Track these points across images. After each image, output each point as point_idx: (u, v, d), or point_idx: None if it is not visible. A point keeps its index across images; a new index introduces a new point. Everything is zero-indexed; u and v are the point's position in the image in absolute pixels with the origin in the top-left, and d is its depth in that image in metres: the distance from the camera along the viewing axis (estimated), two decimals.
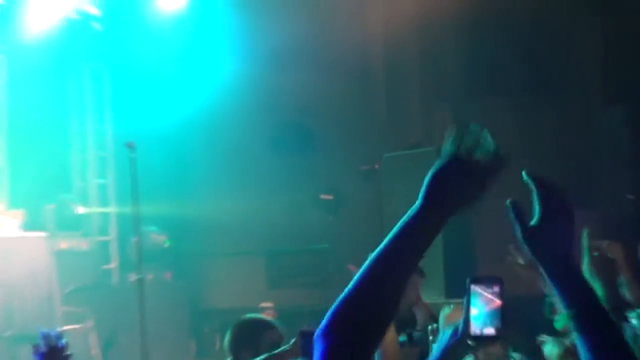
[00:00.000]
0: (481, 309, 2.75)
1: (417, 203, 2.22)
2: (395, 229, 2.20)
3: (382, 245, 2.19)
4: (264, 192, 12.91)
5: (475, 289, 2.75)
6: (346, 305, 2.16)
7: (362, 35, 12.63)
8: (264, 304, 11.86)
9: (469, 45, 12.43)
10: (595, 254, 4.00)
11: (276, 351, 4.73)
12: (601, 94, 11.87)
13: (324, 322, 2.19)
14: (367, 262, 2.18)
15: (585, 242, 3.95)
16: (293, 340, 4.87)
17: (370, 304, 2.16)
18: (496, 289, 2.74)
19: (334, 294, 2.17)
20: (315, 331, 4.03)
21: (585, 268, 3.89)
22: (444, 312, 4.78)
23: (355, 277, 2.17)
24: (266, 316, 11.77)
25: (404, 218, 2.21)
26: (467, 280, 2.79)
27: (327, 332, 2.18)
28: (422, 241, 2.20)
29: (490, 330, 2.72)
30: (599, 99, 11.92)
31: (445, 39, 12.32)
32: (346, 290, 2.17)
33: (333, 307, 2.18)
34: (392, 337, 4.45)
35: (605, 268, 3.93)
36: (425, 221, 2.20)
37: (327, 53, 12.29)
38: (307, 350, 4.27)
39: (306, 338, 4.35)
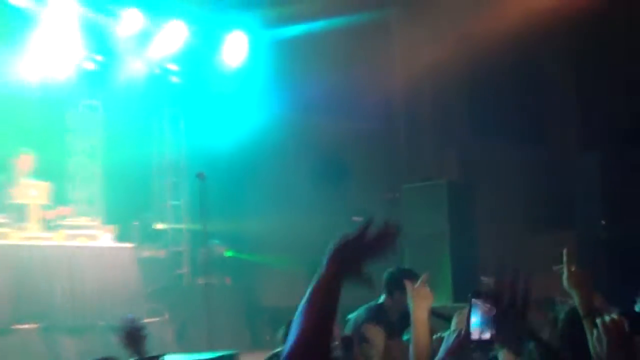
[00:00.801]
0: (480, 318, 2.80)
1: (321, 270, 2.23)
2: (307, 293, 2.20)
3: (301, 307, 2.19)
4: (305, 214, 12.84)
5: (475, 301, 2.86)
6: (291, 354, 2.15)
7: (385, 87, 12.51)
8: None
9: (471, 98, 12.39)
10: (572, 269, 3.94)
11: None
12: (577, 139, 11.84)
13: None
14: (295, 320, 2.18)
15: (564, 258, 3.91)
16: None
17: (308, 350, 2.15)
18: (491, 300, 2.84)
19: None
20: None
21: (564, 280, 3.83)
22: (455, 319, 4.44)
23: (291, 333, 2.17)
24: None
25: (312, 283, 2.22)
26: (469, 295, 2.85)
27: None
28: (329, 296, 2.21)
29: (486, 336, 2.82)
30: (576, 144, 11.89)
31: (452, 92, 12.26)
32: (288, 343, 2.17)
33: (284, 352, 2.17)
34: (424, 332, 4.17)
35: (580, 281, 3.90)
36: (327, 283, 2.20)
37: (357, 102, 12.23)
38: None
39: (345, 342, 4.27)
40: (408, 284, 4.20)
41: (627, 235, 10.26)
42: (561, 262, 3.79)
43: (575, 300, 3.68)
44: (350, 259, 2.25)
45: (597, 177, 11.29)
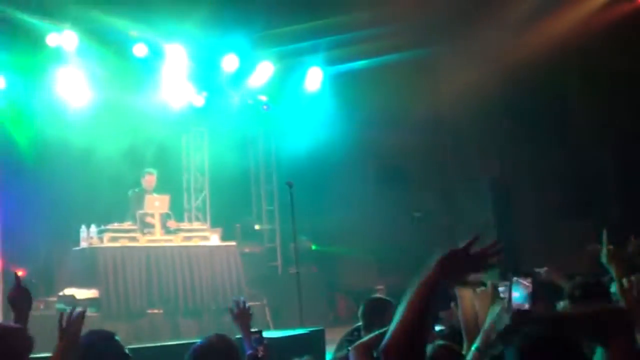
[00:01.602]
0: (520, 293, 2.76)
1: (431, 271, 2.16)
2: (415, 287, 2.15)
3: (408, 298, 2.14)
4: (372, 212, 12.88)
5: (516, 279, 2.84)
6: (394, 336, 2.12)
7: (434, 106, 12.42)
8: (378, 286, 11.86)
9: (506, 111, 12.24)
10: (610, 247, 3.81)
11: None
12: (593, 142, 11.64)
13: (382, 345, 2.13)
14: (400, 309, 2.14)
15: (604, 239, 3.75)
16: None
17: (409, 333, 2.12)
18: (529, 279, 2.82)
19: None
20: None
21: (603, 257, 3.68)
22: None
23: (395, 319, 2.14)
24: (379, 293, 11.84)
25: (420, 280, 2.16)
26: (510, 274, 2.88)
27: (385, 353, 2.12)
28: (431, 294, 2.15)
29: (525, 307, 2.81)
30: (592, 146, 11.69)
31: (490, 107, 12.02)
32: (391, 326, 2.13)
33: (385, 338, 2.13)
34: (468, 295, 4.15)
35: (615, 256, 3.75)
36: (432, 284, 2.16)
37: (411, 118, 12.11)
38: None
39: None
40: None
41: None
42: (600, 243, 3.68)
43: (613, 272, 3.58)
44: (455, 268, 2.21)
45: (611, 173, 11.15)
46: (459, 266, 2.23)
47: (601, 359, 2.30)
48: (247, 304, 4.37)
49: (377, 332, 3.96)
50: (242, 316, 4.34)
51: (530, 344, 2.34)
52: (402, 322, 2.12)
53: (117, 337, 3.61)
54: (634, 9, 11.15)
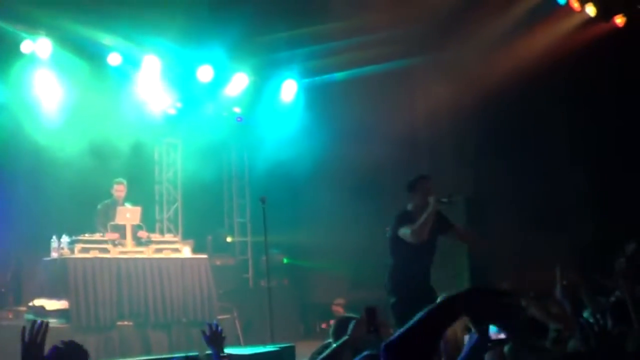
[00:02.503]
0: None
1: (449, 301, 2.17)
2: (435, 305, 2.18)
3: (427, 310, 2.17)
4: (346, 226, 12.88)
5: None
6: (404, 335, 2.16)
7: (410, 117, 12.53)
8: (337, 300, 12.04)
9: (481, 127, 12.37)
10: (564, 282, 3.93)
11: (350, 326, 4.33)
12: (567, 157, 11.84)
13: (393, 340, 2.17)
14: (415, 319, 2.16)
15: (557, 274, 3.90)
16: (361, 315, 4.44)
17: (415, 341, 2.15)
18: None
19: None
20: (375, 309, 4.07)
21: (558, 292, 3.87)
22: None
23: (407, 327, 2.16)
24: (337, 307, 11.95)
25: (439, 303, 2.19)
26: None
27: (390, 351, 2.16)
28: (444, 322, 2.18)
29: (502, 336, 2.96)
30: (567, 160, 11.93)
31: (466, 123, 12.15)
32: (403, 329, 2.17)
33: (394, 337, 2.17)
34: (455, 331, 4.08)
35: (569, 293, 3.89)
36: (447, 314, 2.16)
37: (387, 132, 12.15)
38: (371, 322, 4.05)
39: (370, 313, 4.08)
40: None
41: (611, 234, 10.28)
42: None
43: (567, 307, 3.74)
44: (476, 308, 2.17)
45: (585, 188, 11.36)
46: (487, 312, 2.19)
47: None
48: (220, 328, 4.42)
49: (334, 346, 4.22)
50: (215, 339, 4.41)
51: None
52: (410, 331, 2.15)
53: (84, 348, 3.64)
54: (609, 30, 11.47)
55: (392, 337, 2.17)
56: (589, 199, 11.47)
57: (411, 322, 2.17)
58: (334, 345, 4.36)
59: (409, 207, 6.88)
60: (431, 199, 6.62)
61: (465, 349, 3.53)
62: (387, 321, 5.27)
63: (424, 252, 6.81)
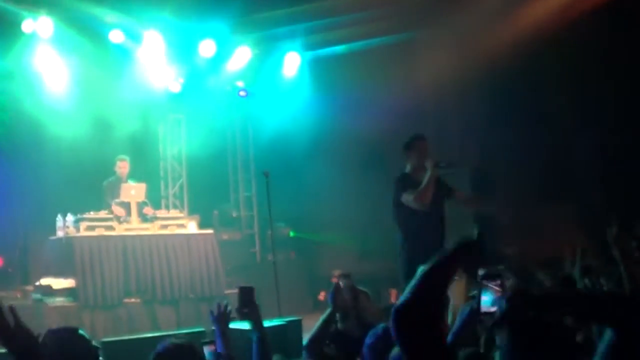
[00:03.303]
0: (489, 297, 2.86)
1: (447, 252, 2.25)
2: (432, 263, 2.22)
3: (425, 269, 2.21)
4: (352, 199, 12.81)
5: (485, 282, 2.97)
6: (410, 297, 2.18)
7: (414, 89, 12.29)
8: (335, 272, 11.98)
9: (486, 96, 12.27)
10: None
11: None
12: (576, 125, 11.73)
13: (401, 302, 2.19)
14: (418, 275, 2.21)
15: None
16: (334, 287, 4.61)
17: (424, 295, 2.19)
18: (498, 281, 2.96)
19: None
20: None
21: (610, 239, 3.68)
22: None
23: (408, 289, 2.19)
24: (337, 279, 11.91)
25: (437, 258, 2.24)
26: (480, 277, 3.04)
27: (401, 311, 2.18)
28: (445, 277, 2.24)
29: (493, 309, 2.96)
30: (575, 129, 11.80)
31: (471, 92, 12.08)
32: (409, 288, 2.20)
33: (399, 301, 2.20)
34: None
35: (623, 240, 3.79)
36: (447, 267, 2.23)
37: (392, 104, 12.04)
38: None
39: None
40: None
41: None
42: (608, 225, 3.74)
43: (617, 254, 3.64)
44: (469, 259, 2.28)
45: (593, 158, 11.27)
46: (475, 259, 2.31)
47: (608, 342, 2.30)
48: (229, 308, 4.39)
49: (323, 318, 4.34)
50: (221, 319, 4.40)
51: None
52: (415, 292, 2.18)
53: (81, 331, 3.49)
54: None
55: (399, 301, 2.20)
56: (597, 169, 11.38)
57: (413, 283, 2.20)
58: (320, 320, 4.46)
59: (407, 169, 6.87)
60: (428, 163, 6.58)
61: (457, 322, 3.58)
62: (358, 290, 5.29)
63: (433, 220, 6.75)
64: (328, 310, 4.50)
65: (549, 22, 10.84)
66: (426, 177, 6.54)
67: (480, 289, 2.91)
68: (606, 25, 10.74)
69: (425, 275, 2.20)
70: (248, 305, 4.01)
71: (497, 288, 2.89)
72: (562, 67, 11.72)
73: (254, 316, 4.01)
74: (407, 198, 6.62)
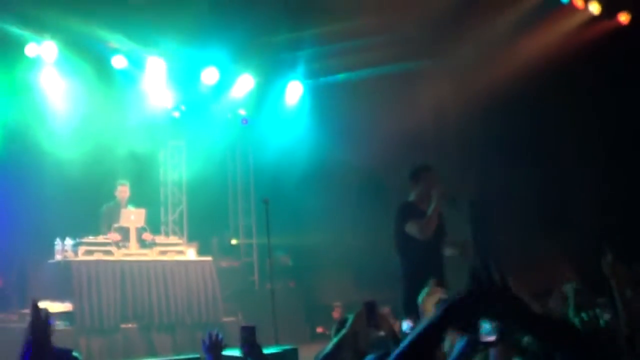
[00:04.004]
0: (486, 325, 2.86)
1: (437, 315, 2.21)
2: (423, 325, 2.21)
3: (415, 332, 2.20)
4: (351, 227, 12.84)
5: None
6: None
7: (415, 119, 12.34)
8: (335, 303, 12.04)
9: (486, 128, 12.32)
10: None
11: (347, 323, 4.21)
12: (573, 158, 11.77)
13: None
14: (409, 337, 2.20)
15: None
16: (359, 310, 4.38)
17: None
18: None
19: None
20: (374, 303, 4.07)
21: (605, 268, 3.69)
22: (423, 292, 4.42)
23: (404, 342, 2.19)
24: (336, 312, 11.91)
25: (429, 320, 2.21)
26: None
27: None
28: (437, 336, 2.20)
29: (492, 338, 2.95)
30: (572, 161, 11.85)
31: (472, 124, 12.11)
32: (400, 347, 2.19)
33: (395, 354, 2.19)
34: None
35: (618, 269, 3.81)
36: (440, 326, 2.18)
37: (392, 132, 12.02)
38: (370, 316, 4.05)
39: (369, 307, 4.06)
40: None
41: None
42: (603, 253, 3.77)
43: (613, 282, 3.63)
44: (460, 316, 2.23)
45: (590, 188, 11.30)
46: (465, 313, 2.26)
47: None
48: (220, 337, 4.35)
49: (335, 341, 4.18)
50: (213, 349, 4.36)
51: None
52: (409, 346, 2.19)
53: (75, 353, 3.39)
54: (613, 28, 11.38)
55: (394, 354, 2.19)
56: (595, 200, 11.38)
57: (411, 336, 2.20)
58: (334, 339, 4.35)
59: (411, 197, 6.83)
60: (435, 194, 6.55)
61: (454, 352, 3.49)
62: (388, 314, 5.20)
63: (433, 249, 6.74)
64: (341, 334, 4.41)
65: (549, 56, 10.92)
66: (431, 208, 6.52)
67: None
68: (606, 60, 10.84)
69: (414, 340, 2.19)
70: (249, 344, 4.08)
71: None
72: (561, 101, 11.80)
73: (255, 356, 4.06)
74: (411, 228, 6.60)
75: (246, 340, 4.10)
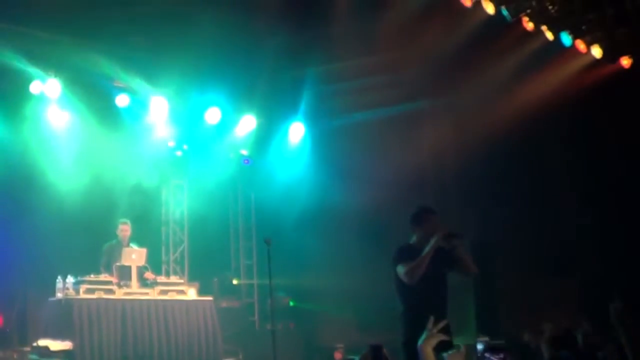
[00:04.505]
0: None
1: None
2: None
3: None
4: (352, 268, 12.75)
5: (488, 356, 2.99)
6: None
7: (416, 160, 12.45)
8: (338, 345, 11.94)
9: (487, 169, 12.31)
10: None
11: None
12: (574, 201, 11.80)
13: None
14: None
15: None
16: (364, 353, 4.40)
17: None
18: (501, 355, 2.98)
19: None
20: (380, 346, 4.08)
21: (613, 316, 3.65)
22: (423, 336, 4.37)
23: None
24: (338, 353, 11.86)
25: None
26: (482, 351, 3.05)
27: None
28: None
29: None
30: (573, 205, 11.94)
31: (471, 165, 12.10)
32: None
33: None
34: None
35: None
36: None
37: (394, 174, 12.12)
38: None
39: (374, 350, 4.12)
40: None
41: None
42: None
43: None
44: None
45: (591, 231, 11.31)
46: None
47: None
48: None
49: None
50: None
51: None
52: None
53: None
54: (615, 72, 11.48)
55: None
56: (595, 243, 11.41)
57: None
58: None
59: (413, 239, 6.72)
60: (433, 239, 6.43)
61: None
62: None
63: (434, 293, 6.63)
64: None
65: (550, 99, 11.01)
66: (424, 252, 6.39)
67: None
68: (607, 103, 10.95)
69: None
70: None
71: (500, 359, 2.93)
72: (562, 141, 11.89)
73: None
74: (400, 270, 6.48)
75: None
